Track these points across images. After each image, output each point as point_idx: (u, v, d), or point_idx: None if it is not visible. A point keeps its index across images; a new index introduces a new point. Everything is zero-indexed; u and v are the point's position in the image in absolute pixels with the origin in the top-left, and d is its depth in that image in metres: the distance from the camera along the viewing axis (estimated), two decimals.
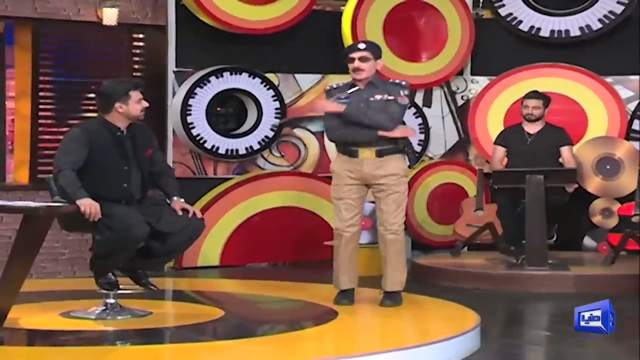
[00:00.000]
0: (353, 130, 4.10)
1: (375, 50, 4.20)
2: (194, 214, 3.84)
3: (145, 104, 3.84)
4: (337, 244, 4.24)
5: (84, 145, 3.73)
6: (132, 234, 3.64)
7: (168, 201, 3.93)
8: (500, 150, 5.71)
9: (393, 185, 4.13)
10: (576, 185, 5.57)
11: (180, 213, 3.84)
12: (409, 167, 4.30)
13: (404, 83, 4.23)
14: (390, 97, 4.12)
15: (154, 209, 3.84)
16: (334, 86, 4.28)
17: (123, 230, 3.63)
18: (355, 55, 4.15)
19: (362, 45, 4.18)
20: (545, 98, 5.67)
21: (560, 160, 5.71)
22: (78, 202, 3.62)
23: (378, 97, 4.13)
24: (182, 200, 3.89)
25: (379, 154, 4.12)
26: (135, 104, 3.80)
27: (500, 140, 5.76)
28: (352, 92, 4.15)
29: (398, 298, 4.23)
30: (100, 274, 3.87)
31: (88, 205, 3.61)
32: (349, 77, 4.23)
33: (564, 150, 5.66)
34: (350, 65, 4.17)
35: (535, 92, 5.73)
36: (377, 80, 4.20)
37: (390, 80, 4.34)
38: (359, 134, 4.11)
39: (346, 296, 4.24)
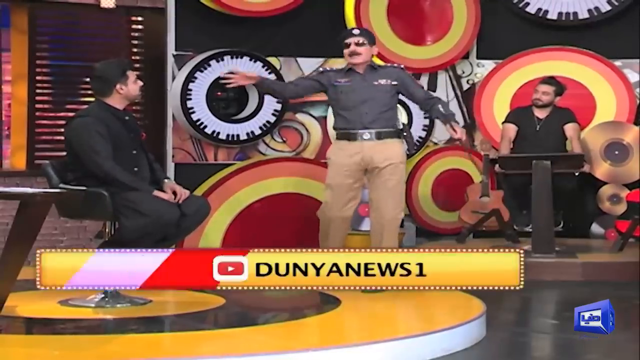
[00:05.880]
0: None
1: (369, 37, 4.43)
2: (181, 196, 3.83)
3: (141, 82, 3.83)
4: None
5: (106, 134, 3.70)
6: (166, 217, 3.63)
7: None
8: (512, 129, 5.61)
9: None
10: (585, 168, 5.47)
11: (172, 195, 3.81)
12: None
13: (402, 66, 4.48)
14: (395, 82, 4.30)
15: None
16: (328, 69, 4.52)
17: (155, 214, 3.61)
18: (352, 40, 4.37)
19: (356, 31, 4.43)
20: (558, 86, 5.61)
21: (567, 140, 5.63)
22: (155, 193, 3.63)
23: (382, 81, 4.32)
24: (173, 182, 3.92)
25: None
26: (133, 84, 3.78)
27: (511, 118, 5.67)
28: (349, 77, 4.36)
29: None
30: None
31: (170, 188, 3.64)
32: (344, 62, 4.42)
33: (568, 128, 5.56)
34: (346, 50, 4.38)
35: (551, 78, 5.65)
36: (375, 64, 4.42)
37: (389, 65, 4.58)
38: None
39: None
